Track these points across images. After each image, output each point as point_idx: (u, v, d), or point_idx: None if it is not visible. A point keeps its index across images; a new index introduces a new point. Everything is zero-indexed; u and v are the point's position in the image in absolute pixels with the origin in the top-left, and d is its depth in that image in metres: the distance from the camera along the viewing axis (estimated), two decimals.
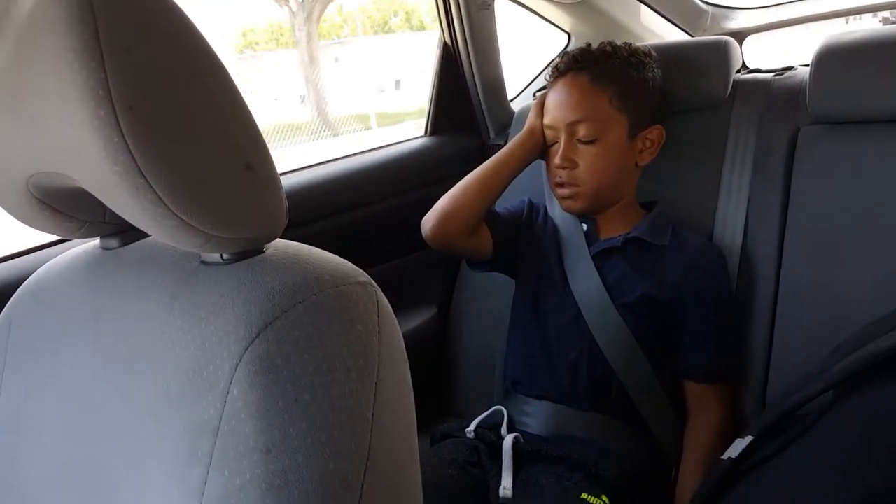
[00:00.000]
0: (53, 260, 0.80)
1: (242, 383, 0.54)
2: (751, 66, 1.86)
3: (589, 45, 1.43)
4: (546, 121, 1.40)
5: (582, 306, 1.36)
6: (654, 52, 1.44)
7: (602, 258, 1.38)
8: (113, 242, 0.75)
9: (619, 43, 1.42)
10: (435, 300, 1.82)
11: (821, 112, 1.38)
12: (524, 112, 1.70)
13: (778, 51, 2.12)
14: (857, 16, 2.60)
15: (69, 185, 0.62)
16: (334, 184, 1.65)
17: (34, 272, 0.81)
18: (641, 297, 1.33)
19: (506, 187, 1.43)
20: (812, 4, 2.06)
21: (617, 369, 1.33)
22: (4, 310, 0.80)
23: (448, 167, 1.86)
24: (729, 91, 1.52)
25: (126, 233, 0.74)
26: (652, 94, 1.39)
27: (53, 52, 0.52)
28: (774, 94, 1.50)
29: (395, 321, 0.64)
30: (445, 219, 1.38)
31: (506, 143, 1.78)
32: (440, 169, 1.84)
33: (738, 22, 2.14)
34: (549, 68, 1.44)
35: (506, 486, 1.22)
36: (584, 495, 1.18)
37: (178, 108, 0.55)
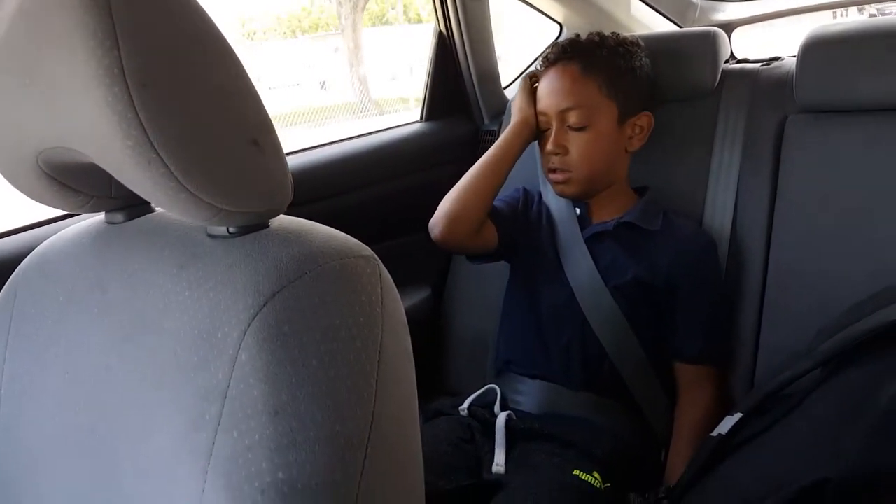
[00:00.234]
0: (59, 233, 0.81)
1: (251, 349, 0.56)
2: (739, 56, 1.88)
3: (578, 35, 1.46)
4: (539, 108, 1.43)
5: (575, 289, 1.38)
6: (641, 42, 1.47)
7: (595, 242, 1.41)
8: (119, 217, 0.76)
9: (607, 33, 1.45)
10: (430, 281, 1.84)
11: (807, 101, 1.40)
12: None
13: (765, 42, 2.15)
14: (844, 11, 2.62)
15: (78, 161, 0.64)
16: (331, 166, 1.66)
17: (39, 245, 0.82)
18: (633, 280, 1.36)
19: (506, 179, 1.44)
20: None
21: (609, 350, 1.36)
22: (9, 281, 0.81)
23: (443, 152, 1.88)
24: (718, 81, 1.54)
25: (132, 207, 0.76)
26: (640, 82, 1.42)
27: (67, 31, 0.53)
28: (762, 84, 1.52)
29: (397, 294, 0.66)
30: (454, 221, 1.38)
31: (499, 129, 1.80)
32: (435, 154, 1.87)
33: (726, 14, 2.15)
34: (540, 58, 1.47)
35: (499, 463, 1.24)
36: (575, 472, 1.21)
37: (188, 86, 0.57)
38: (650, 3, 2.03)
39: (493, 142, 1.76)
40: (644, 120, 1.42)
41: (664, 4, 2.06)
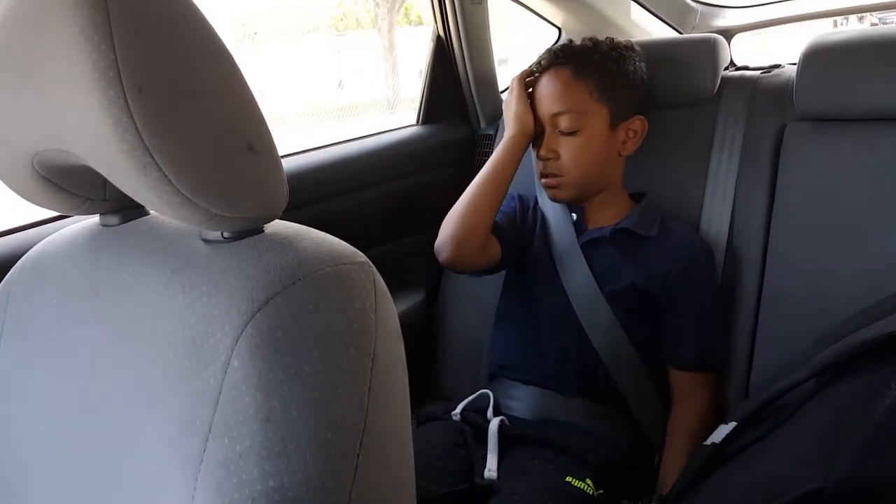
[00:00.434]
0: (53, 235, 0.81)
1: (243, 355, 0.56)
2: (738, 63, 1.88)
3: (571, 41, 1.46)
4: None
5: (571, 295, 1.38)
6: (636, 46, 1.47)
7: (591, 247, 1.41)
8: (113, 219, 0.76)
9: (601, 38, 1.45)
10: (423, 285, 1.83)
11: (807, 109, 1.40)
12: None
13: (765, 50, 2.15)
14: (845, 19, 2.62)
15: (73, 163, 0.64)
16: (326, 170, 1.66)
17: (33, 247, 0.82)
18: (629, 286, 1.36)
19: (506, 192, 1.43)
20: (799, 5, 2.08)
21: (604, 356, 1.36)
22: (3, 282, 0.81)
23: (439, 156, 1.88)
24: (717, 88, 1.54)
25: (126, 210, 0.76)
26: (633, 86, 1.42)
27: (64, 34, 0.53)
28: (762, 92, 1.52)
29: (392, 301, 0.65)
30: (461, 244, 1.36)
31: (496, 134, 1.80)
32: (431, 157, 1.87)
33: (726, 20, 2.16)
34: (534, 64, 1.47)
35: (491, 468, 1.24)
36: (568, 478, 1.21)
37: (184, 90, 0.57)
38: (650, 8, 2.03)
39: (490, 146, 1.76)
40: (637, 124, 1.42)
41: (664, 10, 2.06)
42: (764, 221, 1.41)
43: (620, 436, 1.35)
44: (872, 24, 2.83)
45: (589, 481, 1.22)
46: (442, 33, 1.88)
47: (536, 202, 1.53)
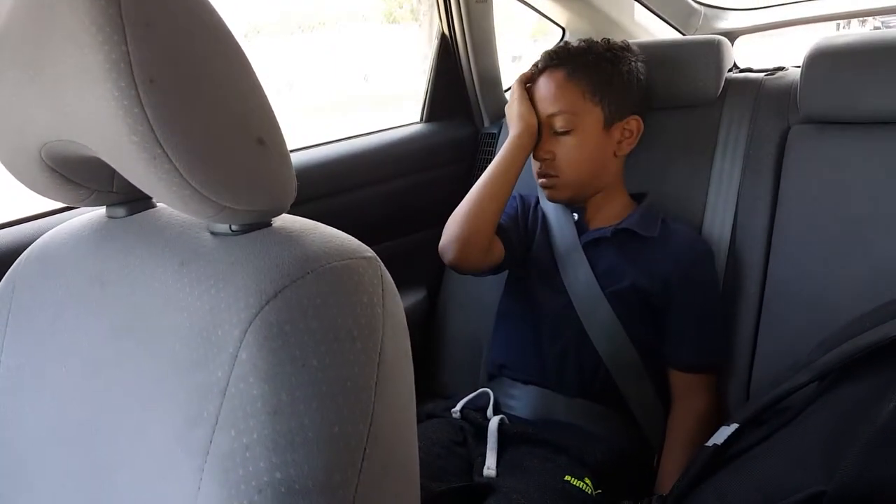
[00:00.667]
0: (59, 226, 0.81)
1: (251, 347, 0.56)
2: (742, 66, 1.88)
3: (568, 42, 1.47)
4: None
5: (572, 294, 1.39)
6: (633, 47, 1.47)
7: (592, 248, 1.41)
8: (120, 211, 0.76)
9: (597, 39, 1.46)
10: (425, 283, 1.84)
11: (811, 112, 1.40)
12: None
13: (768, 52, 2.15)
14: (847, 23, 2.62)
15: (82, 154, 0.64)
16: (330, 166, 1.66)
17: (39, 238, 0.82)
18: (630, 287, 1.36)
19: (511, 193, 1.43)
20: (802, 8, 2.08)
21: (604, 356, 1.36)
22: (8, 273, 0.81)
23: (442, 153, 1.88)
24: (721, 89, 1.54)
25: (133, 202, 0.76)
26: (628, 87, 1.42)
27: (76, 25, 0.53)
28: (765, 94, 1.52)
29: (398, 296, 0.66)
30: (465, 245, 1.37)
31: (499, 132, 1.80)
32: (435, 155, 1.87)
33: (729, 22, 2.16)
34: (532, 66, 1.48)
35: (490, 466, 1.24)
36: (567, 477, 1.21)
37: (195, 83, 0.57)
38: (654, 9, 2.03)
39: (493, 144, 1.76)
40: (633, 124, 1.43)
41: (668, 11, 2.06)
42: (767, 224, 1.41)
43: (620, 436, 1.35)
44: (875, 28, 2.83)
45: (588, 481, 1.22)
46: (447, 31, 1.88)
47: (538, 202, 1.53)
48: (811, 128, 1.42)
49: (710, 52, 1.52)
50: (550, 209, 1.49)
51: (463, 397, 1.44)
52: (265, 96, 0.62)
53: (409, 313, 1.70)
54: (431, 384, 1.78)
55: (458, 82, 1.94)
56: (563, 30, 2.08)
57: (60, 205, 1.07)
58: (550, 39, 2.10)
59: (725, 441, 1.04)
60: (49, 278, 0.76)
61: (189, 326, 0.60)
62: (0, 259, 0.94)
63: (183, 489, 0.57)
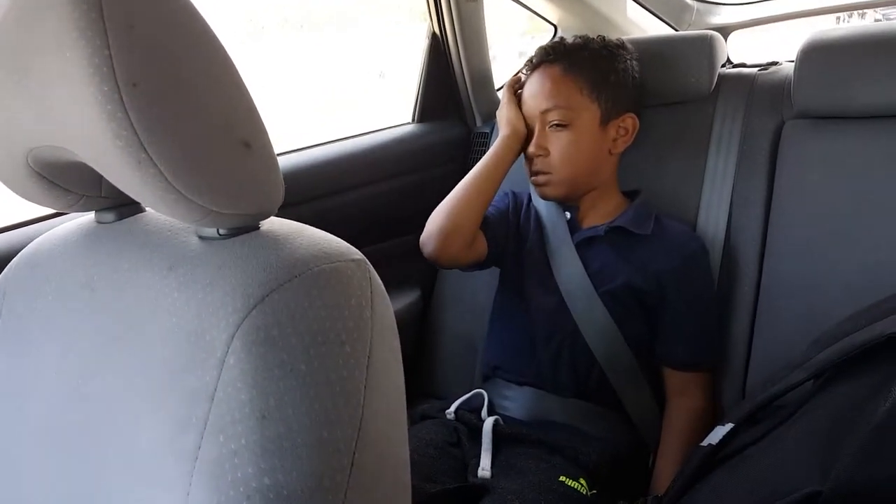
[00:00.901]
0: (49, 232, 0.81)
1: (239, 352, 0.56)
2: (735, 61, 1.88)
3: (563, 38, 1.46)
4: (522, 111, 1.43)
5: (565, 294, 1.38)
6: (628, 45, 1.47)
7: (585, 246, 1.41)
8: (109, 216, 0.76)
9: (592, 36, 1.45)
10: (418, 284, 1.83)
11: (805, 107, 1.40)
12: None
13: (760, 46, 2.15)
14: (848, 15, 2.61)
15: (68, 160, 0.64)
16: (321, 168, 1.66)
17: (29, 244, 0.82)
18: (624, 285, 1.35)
19: (497, 190, 1.44)
20: (796, 2, 2.08)
21: (599, 356, 1.36)
22: None
23: (435, 153, 1.88)
24: (714, 85, 1.54)
25: (122, 207, 0.76)
26: (623, 84, 1.42)
27: (58, 30, 0.53)
28: (759, 89, 1.52)
29: (388, 299, 0.65)
30: (446, 238, 1.37)
31: (492, 132, 1.80)
32: (427, 155, 1.86)
33: (722, 17, 2.15)
34: (526, 62, 1.47)
35: (485, 467, 1.24)
36: (562, 478, 1.21)
37: (179, 86, 0.56)
38: (646, 5, 2.03)
39: (485, 144, 1.76)
40: (629, 122, 1.42)
41: (660, 7, 2.06)
42: (762, 219, 1.41)
43: (615, 436, 1.35)
44: (876, 21, 2.82)
45: (583, 481, 1.22)
46: (437, 31, 1.87)
47: (530, 200, 1.53)
48: (805, 123, 1.41)
49: (703, 48, 1.52)
50: (542, 207, 1.48)
51: (457, 398, 1.44)
52: (251, 99, 0.62)
53: (403, 314, 1.72)
54: (426, 385, 1.78)
55: (449, 82, 1.93)
56: (555, 27, 2.07)
57: (51, 210, 1.07)
58: (546, 36, 2.10)
59: (720, 441, 1.04)
60: (39, 284, 0.76)
61: (178, 331, 0.60)
62: None
63: (172, 494, 0.57)
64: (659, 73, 1.50)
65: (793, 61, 1.42)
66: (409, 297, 1.81)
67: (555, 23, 2.06)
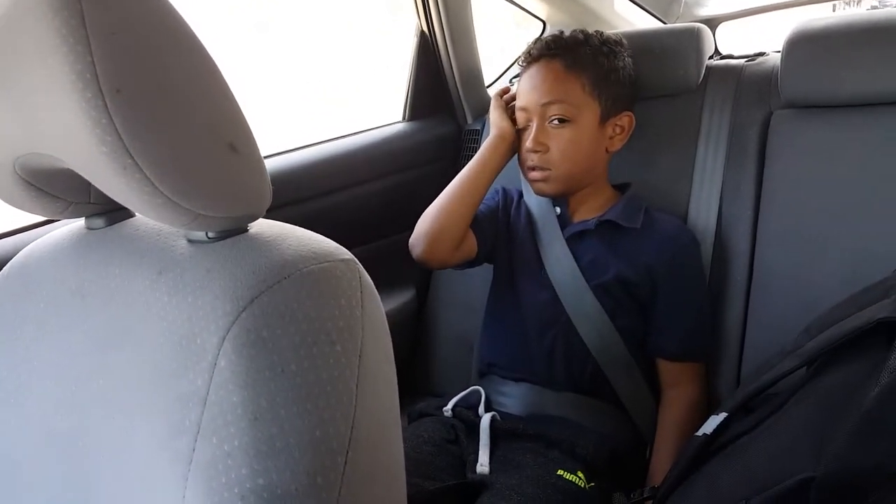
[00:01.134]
0: (39, 239, 0.81)
1: (230, 355, 0.56)
2: (723, 52, 1.88)
3: (562, 32, 1.45)
4: (519, 103, 1.42)
5: (557, 288, 1.38)
6: (625, 41, 1.46)
7: (576, 241, 1.41)
8: (98, 222, 0.76)
9: (591, 31, 1.44)
10: (413, 282, 1.84)
11: (792, 96, 1.40)
12: None
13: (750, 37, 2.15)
14: (846, 4, 2.61)
15: (56, 167, 0.64)
16: (311, 169, 1.65)
17: (19, 251, 0.82)
18: (615, 278, 1.36)
19: (486, 192, 1.44)
20: None
21: (593, 349, 1.36)
22: None
23: (426, 152, 1.88)
24: (702, 77, 1.54)
25: (111, 213, 0.76)
26: (622, 82, 1.41)
27: (40, 37, 0.53)
28: (747, 80, 1.52)
29: (378, 298, 0.65)
30: (435, 240, 1.38)
31: (483, 129, 1.80)
32: (418, 154, 1.86)
33: (710, 9, 2.16)
34: (522, 54, 1.46)
35: (483, 463, 1.24)
36: (559, 471, 1.21)
37: (163, 90, 0.56)
38: None
39: (476, 140, 1.76)
40: (625, 120, 1.42)
41: (648, 0, 2.06)
42: (752, 210, 1.41)
43: (612, 429, 1.35)
44: (872, 8, 2.83)
45: (580, 474, 1.22)
46: (425, 28, 1.87)
47: (521, 196, 1.52)
48: (793, 113, 1.42)
49: (690, 40, 1.52)
50: (533, 203, 1.48)
51: (454, 396, 1.44)
52: (236, 102, 0.62)
53: (398, 313, 1.72)
54: (422, 383, 1.78)
55: (439, 79, 1.93)
56: (544, 23, 2.07)
57: (41, 218, 1.07)
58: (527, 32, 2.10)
59: (715, 430, 1.04)
60: (30, 292, 0.76)
61: (169, 335, 0.60)
62: None
63: (167, 498, 0.57)
64: (647, 66, 1.50)
65: (779, 52, 1.42)
66: (404, 296, 1.81)
67: (543, 18, 2.06)
